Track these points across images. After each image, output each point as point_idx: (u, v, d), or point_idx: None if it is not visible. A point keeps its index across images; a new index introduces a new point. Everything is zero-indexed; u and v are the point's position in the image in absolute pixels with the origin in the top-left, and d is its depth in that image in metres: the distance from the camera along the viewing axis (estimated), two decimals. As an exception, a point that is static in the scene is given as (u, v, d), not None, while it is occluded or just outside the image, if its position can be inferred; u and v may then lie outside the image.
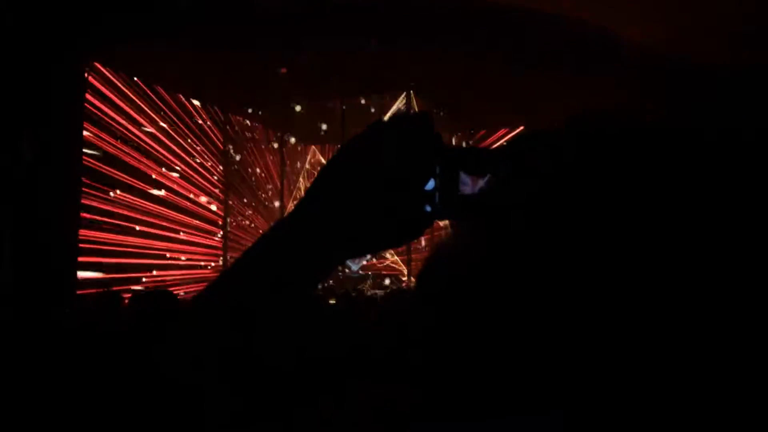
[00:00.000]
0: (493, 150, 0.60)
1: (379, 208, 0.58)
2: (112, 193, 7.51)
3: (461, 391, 0.51)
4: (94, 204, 7.17)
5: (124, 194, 7.71)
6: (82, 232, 6.67)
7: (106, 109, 7.43)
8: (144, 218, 7.99)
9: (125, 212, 7.70)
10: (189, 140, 8.90)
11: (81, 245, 6.62)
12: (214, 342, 0.58)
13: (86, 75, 6.97)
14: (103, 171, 7.40)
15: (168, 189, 8.49)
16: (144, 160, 8.05)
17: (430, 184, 0.59)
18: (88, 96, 7.04)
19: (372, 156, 0.58)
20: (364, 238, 0.60)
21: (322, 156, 10.77)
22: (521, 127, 8.61)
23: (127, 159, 7.80)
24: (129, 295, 4.28)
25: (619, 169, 0.49)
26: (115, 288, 6.24)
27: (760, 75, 5.65)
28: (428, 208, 0.59)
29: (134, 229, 7.86)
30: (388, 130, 0.59)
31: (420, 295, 0.60)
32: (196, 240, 9.14)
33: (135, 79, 7.90)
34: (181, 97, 8.70)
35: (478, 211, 0.56)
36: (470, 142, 9.94)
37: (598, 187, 0.49)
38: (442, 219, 0.60)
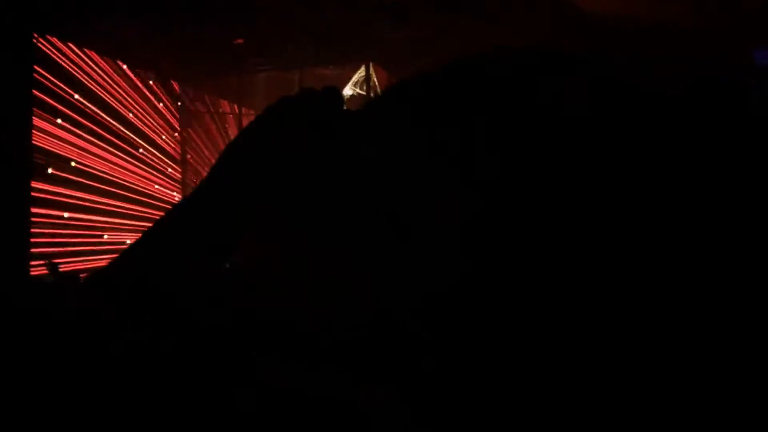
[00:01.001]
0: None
1: (274, 196, 0.58)
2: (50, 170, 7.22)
3: (455, 402, 0.47)
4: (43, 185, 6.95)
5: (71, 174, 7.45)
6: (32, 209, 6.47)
7: (57, 81, 7.17)
8: (94, 197, 7.75)
9: (75, 192, 7.46)
10: (142, 116, 8.65)
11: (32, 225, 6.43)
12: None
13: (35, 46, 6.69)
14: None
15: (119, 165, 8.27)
16: (94, 139, 7.81)
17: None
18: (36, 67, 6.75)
19: (263, 143, 0.58)
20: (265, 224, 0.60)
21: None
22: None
23: (74, 139, 7.55)
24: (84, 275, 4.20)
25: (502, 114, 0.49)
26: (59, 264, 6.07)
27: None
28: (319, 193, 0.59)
29: (83, 206, 7.61)
30: (276, 118, 0.58)
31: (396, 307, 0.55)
32: (152, 217, 8.93)
33: (85, 50, 7.64)
34: (136, 73, 8.44)
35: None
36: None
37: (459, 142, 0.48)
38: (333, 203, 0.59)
